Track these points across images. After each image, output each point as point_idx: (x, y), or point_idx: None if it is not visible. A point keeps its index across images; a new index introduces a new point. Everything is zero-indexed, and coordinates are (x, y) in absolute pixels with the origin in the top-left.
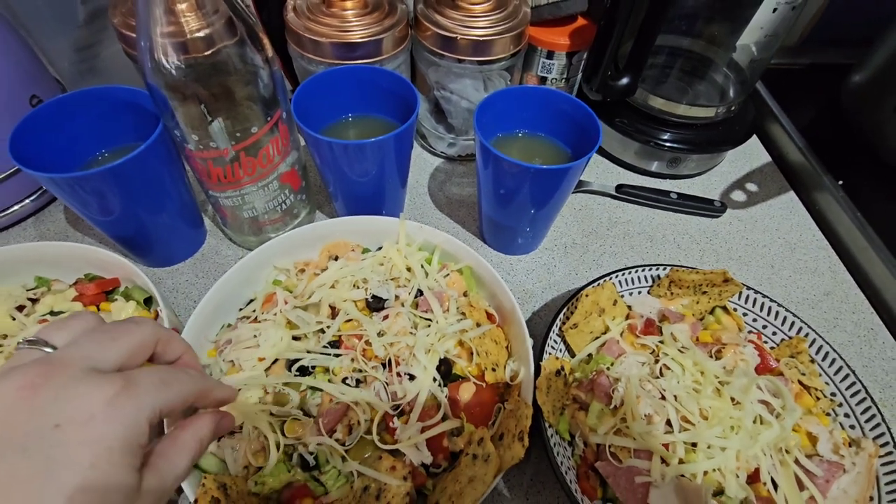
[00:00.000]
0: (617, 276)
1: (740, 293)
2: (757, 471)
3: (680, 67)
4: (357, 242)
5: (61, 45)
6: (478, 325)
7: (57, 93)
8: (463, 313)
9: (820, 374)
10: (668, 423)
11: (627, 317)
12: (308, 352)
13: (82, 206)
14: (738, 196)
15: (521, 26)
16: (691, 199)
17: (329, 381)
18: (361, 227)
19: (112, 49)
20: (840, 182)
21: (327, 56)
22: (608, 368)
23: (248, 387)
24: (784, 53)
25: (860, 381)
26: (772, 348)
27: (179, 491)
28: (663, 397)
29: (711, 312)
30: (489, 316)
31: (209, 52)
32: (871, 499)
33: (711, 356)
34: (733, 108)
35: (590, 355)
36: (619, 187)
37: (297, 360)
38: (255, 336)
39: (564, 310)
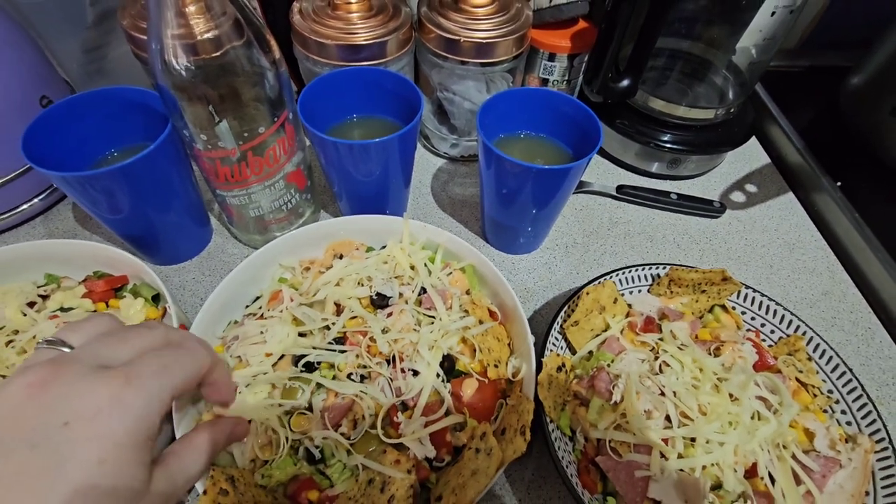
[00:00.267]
0: (617, 275)
1: (739, 292)
2: (754, 465)
3: (680, 70)
4: (361, 241)
5: (70, 46)
6: (480, 322)
7: (66, 94)
8: (466, 311)
9: (817, 372)
10: (668, 418)
11: (628, 315)
12: (314, 348)
13: (92, 204)
14: (737, 197)
15: (523, 29)
16: (691, 199)
17: (334, 376)
18: (366, 226)
19: (120, 50)
20: (838, 183)
21: (332, 58)
22: (608, 365)
23: (256, 383)
24: (783, 56)
25: (857, 378)
26: (770, 346)
27: (188, 490)
28: (663, 393)
29: (710, 311)
30: (491, 313)
31: (217, 54)
32: (867, 493)
33: (710, 353)
34: (733, 109)
35: (590, 352)
36: (620, 188)
37: (303, 356)
38: (261, 332)
39: (565, 308)
